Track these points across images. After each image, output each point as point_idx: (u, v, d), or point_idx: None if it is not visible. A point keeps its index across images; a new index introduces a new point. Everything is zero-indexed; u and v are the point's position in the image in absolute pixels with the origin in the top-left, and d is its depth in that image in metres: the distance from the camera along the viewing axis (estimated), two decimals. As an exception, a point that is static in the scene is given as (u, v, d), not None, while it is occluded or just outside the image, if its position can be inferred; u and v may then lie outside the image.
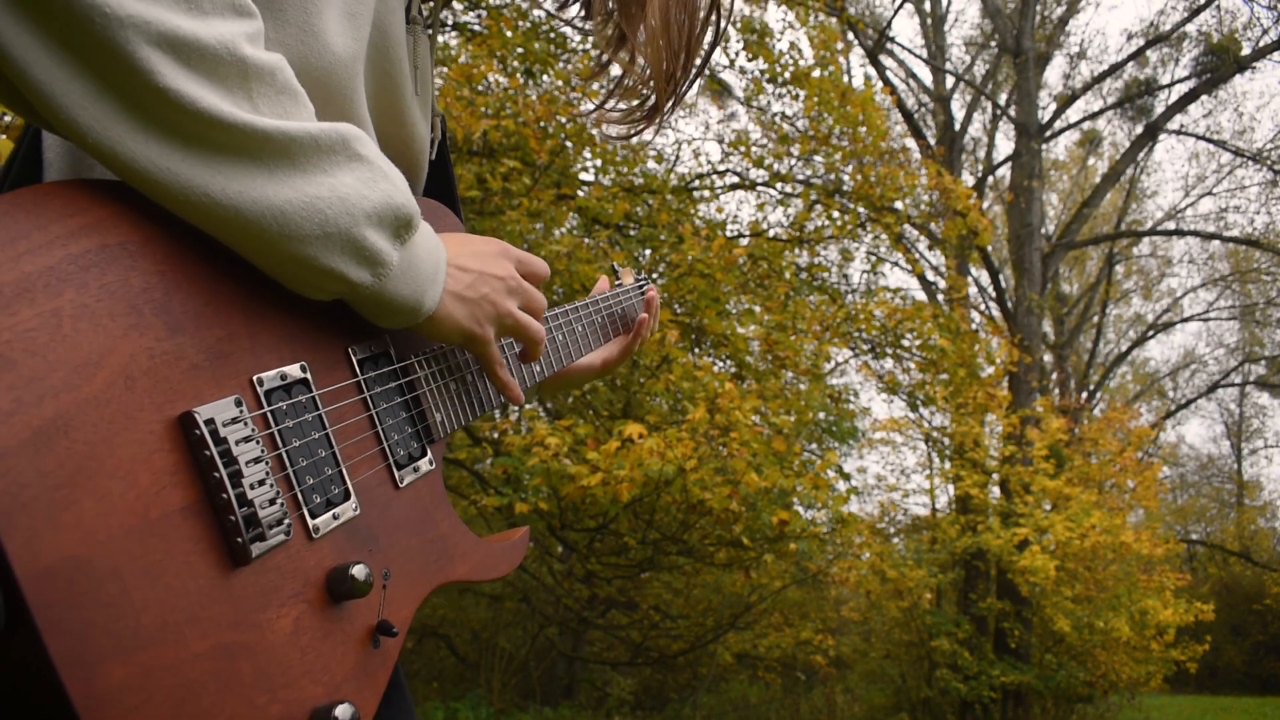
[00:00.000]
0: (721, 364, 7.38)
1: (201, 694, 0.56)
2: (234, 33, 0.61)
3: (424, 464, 0.85)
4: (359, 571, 0.68)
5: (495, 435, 6.51)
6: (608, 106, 1.08)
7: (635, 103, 1.07)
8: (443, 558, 0.85)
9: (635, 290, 1.39)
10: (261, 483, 0.62)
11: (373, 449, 0.78)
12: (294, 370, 0.70)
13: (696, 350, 7.27)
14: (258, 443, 0.63)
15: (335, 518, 0.70)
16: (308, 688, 0.64)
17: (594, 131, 6.55)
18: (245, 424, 0.63)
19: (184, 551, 0.57)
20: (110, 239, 0.58)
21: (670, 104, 1.05)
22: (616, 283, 1.37)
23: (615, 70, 1.08)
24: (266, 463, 0.64)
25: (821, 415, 7.86)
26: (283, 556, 0.65)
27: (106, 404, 0.54)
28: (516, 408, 9.40)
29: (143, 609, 0.53)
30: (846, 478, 8.17)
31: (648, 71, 1.04)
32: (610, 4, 1.02)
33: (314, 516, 0.68)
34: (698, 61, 1.05)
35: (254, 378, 0.66)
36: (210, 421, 0.60)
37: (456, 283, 0.83)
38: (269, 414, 0.66)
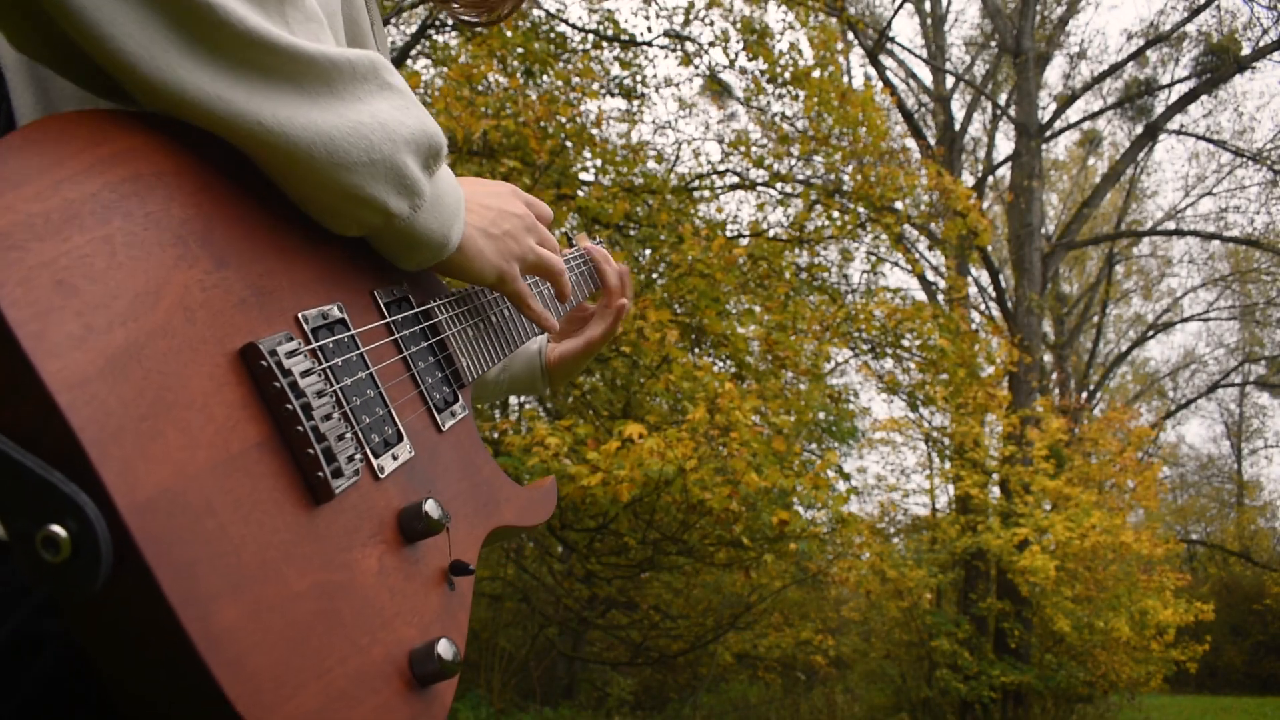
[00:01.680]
0: (721, 364, 7.38)
1: (309, 634, 0.54)
2: None
3: (458, 408, 0.83)
4: (432, 508, 0.67)
5: (495, 435, 6.51)
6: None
7: None
8: (490, 501, 0.84)
9: (578, 258, 1.30)
10: (329, 417, 0.60)
11: (412, 392, 0.76)
12: (333, 310, 0.68)
13: (696, 350, 7.27)
14: (319, 376, 0.61)
15: (395, 458, 0.69)
16: (402, 629, 0.63)
17: (594, 131, 6.55)
18: (304, 357, 0.60)
19: (269, 487, 0.55)
20: (144, 168, 0.55)
21: None
22: (572, 250, 1.30)
23: None
24: (331, 397, 0.61)
25: (821, 415, 7.87)
26: (356, 496, 0.63)
27: (172, 334, 0.52)
28: (516, 408, 9.39)
29: (241, 546, 0.51)
30: (846, 478, 8.18)
31: None
32: None
33: (376, 456, 0.66)
34: None
35: (298, 315, 0.64)
36: (274, 353, 0.58)
37: (480, 219, 0.83)
38: (319, 350, 0.64)
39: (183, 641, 0.46)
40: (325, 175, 0.63)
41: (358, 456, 0.63)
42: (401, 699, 0.61)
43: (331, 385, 0.64)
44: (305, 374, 0.59)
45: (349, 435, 0.62)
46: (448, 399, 0.83)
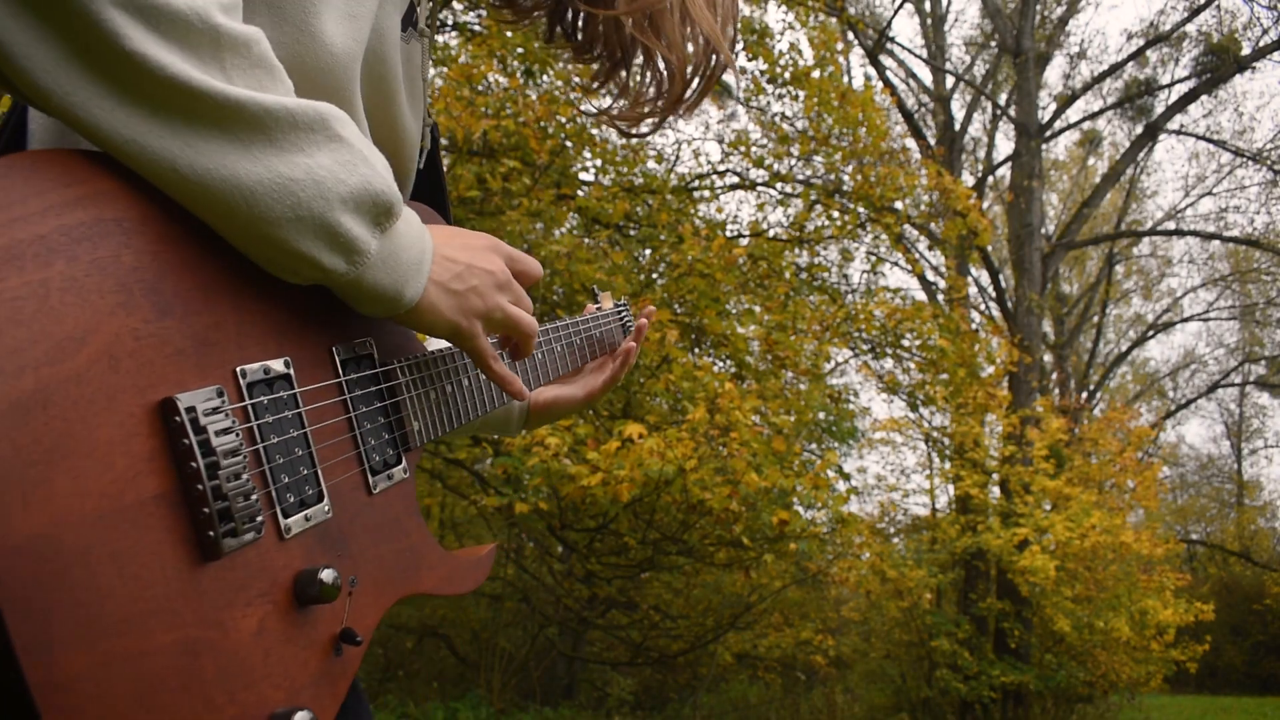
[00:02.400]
0: (721, 364, 7.38)
1: (161, 689, 0.54)
2: (206, 1, 0.59)
3: (398, 472, 0.83)
4: (327, 576, 0.66)
5: (495, 436, 6.51)
6: (613, 112, 1.06)
7: (644, 106, 1.04)
8: (410, 568, 0.83)
9: (614, 316, 1.34)
10: (237, 476, 0.61)
11: (349, 452, 0.76)
12: (278, 365, 0.68)
13: (696, 350, 7.27)
14: (237, 435, 0.61)
15: (307, 519, 0.69)
16: (268, 691, 0.63)
17: (594, 131, 6.55)
18: (225, 415, 0.61)
19: (154, 541, 0.55)
20: (107, 213, 0.56)
21: (693, 99, 1.03)
22: (595, 306, 1.32)
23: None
24: (244, 457, 0.62)
25: (821, 415, 7.87)
26: (253, 554, 0.63)
27: (88, 382, 0.52)
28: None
29: (108, 596, 0.51)
30: (846, 478, 8.17)
31: (661, 74, 1.01)
32: (612, 35, 1.00)
33: (286, 516, 0.67)
34: (721, 52, 1.02)
35: (237, 369, 0.64)
36: (191, 409, 0.58)
37: (443, 273, 0.80)
38: (249, 407, 0.65)
39: (20, 686, 0.47)
40: (248, 228, 0.62)
41: (260, 518, 0.63)
42: None
43: (251, 445, 0.64)
44: (222, 432, 0.60)
45: (256, 495, 0.63)
46: (389, 461, 0.82)
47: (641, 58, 1.03)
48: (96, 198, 0.56)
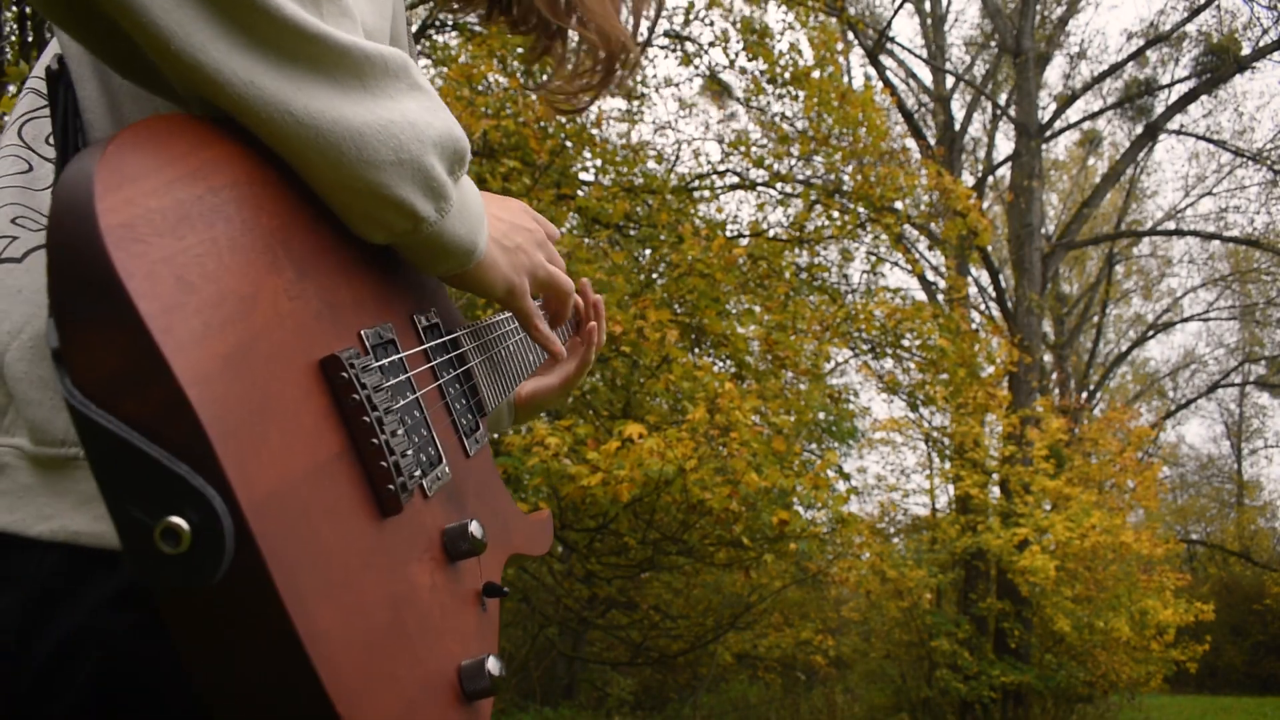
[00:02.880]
0: (721, 364, 7.38)
1: (383, 643, 0.54)
2: None
3: (480, 436, 0.84)
4: (476, 529, 0.67)
5: (495, 435, 6.51)
6: (552, 87, 1.08)
7: (579, 81, 1.07)
8: (505, 528, 0.84)
9: None
10: (396, 432, 0.61)
11: (444, 416, 0.77)
12: (387, 330, 0.68)
13: (696, 350, 7.27)
14: (386, 392, 0.61)
15: (438, 478, 0.69)
16: (451, 644, 0.63)
17: (594, 131, 6.56)
18: (375, 373, 0.61)
19: (349, 496, 0.55)
20: (240, 174, 0.56)
21: (625, 70, 1.05)
22: None
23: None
24: (396, 414, 0.62)
25: (821, 415, 7.87)
26: (412, 512, 0.63)
27: (269, 338, 0.52)
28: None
29: (331, 552, 0.51)
30: (846, 478, 8.18)
31: (595, 49, 1.04)
32: (543, 11, 1.02)
33: (424, 475, 0.66)
34: (645, 26, 1.05)
35: (360, 331, 0.64)
36: (353, 365, 0.58)
37: (496, 229, 0.81)
38: (380, 368, 0.64)
39: (291, 640, 0.46)
40: (353, 173, 0.61)
41: (418, 473, 0.63)
42: (455, 712, 0.62)
43: (396, 402, 0.64)
44: (377, 389, 0.60)
45: (411, 450, 0.63)
46: (472, 426, 0.83)
47: (576, 34, 1.05)
48: (225, 160, 0.55)
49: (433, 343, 0.78)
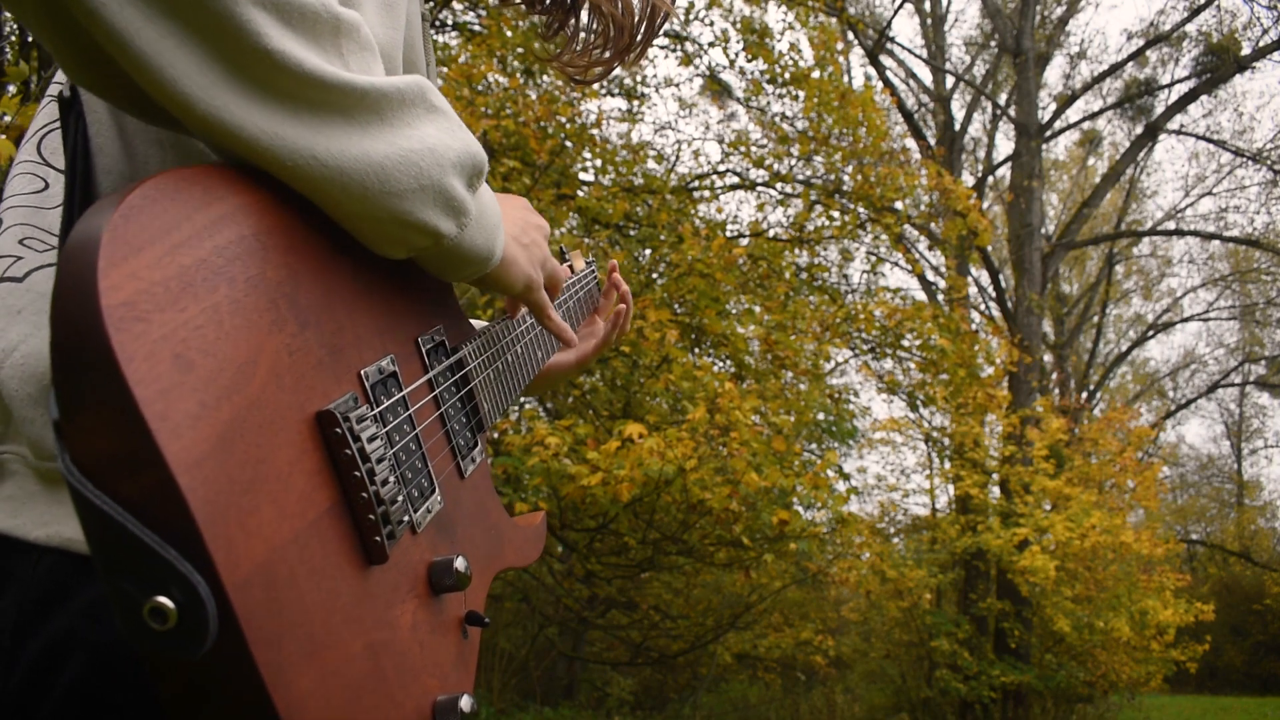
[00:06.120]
0: (721, 364, 7.38)
1: (362, 694, 0.56)
2: None
3: (477, 453, 0.85)
4: (461, 564, 0.68)
5: (495, 435, 6.52)
6: (564, 60, 1.10)
7: (592, 54, 1.10)
8: (497, 544, 0.86)
9: (590, 276, 1.36)
10: (386, 481, 0.62)
11: (443, 444, 0.78)
12: (386, 364, 0.69)
13: (696, 350, 7.27)
14: (381, 440, 0.63)
15: (429, 511, 0.70)
16: (427, 681, 0.65)
17: (594, 131, 6.55)
18: (370, 421, 0.62)
19: (334, 552, 0.57)
20: (246, 229, 0.56)
21: (637, 49, 1.08)
22: (567, 266, 1.32)
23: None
24: (388, 459, 0.63)
25: (821, 415, 7.87)
26: (399, 553, 0.64)
27: (265, 405, 0.53)
28: (516, 408, 9.39)
29: (315, 613, 0.53)
30: (846, 478, 8.17)
31: (608, 24, 1.07)
32: None
33: (415, 511, 0.68)
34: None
35: (361, 372, 0.64)
36: (346, 418, 0.59)
37: (513, 227, 0.84)
38: (380, 413, 0.66)
39: (268, 709, 0.48)
40: (377, 204, 0.63)
41: (406, 517, 0.65)
42: None
43: (390, 448, 0.66)
44: (371, 439, 0.61)
45: (401, 496, 0.64)
46: (469, 444, 0.84)
47: (589, 8, 1.08)
48: (236, 214, 0.56)
49: (436, 369, 0.79)
